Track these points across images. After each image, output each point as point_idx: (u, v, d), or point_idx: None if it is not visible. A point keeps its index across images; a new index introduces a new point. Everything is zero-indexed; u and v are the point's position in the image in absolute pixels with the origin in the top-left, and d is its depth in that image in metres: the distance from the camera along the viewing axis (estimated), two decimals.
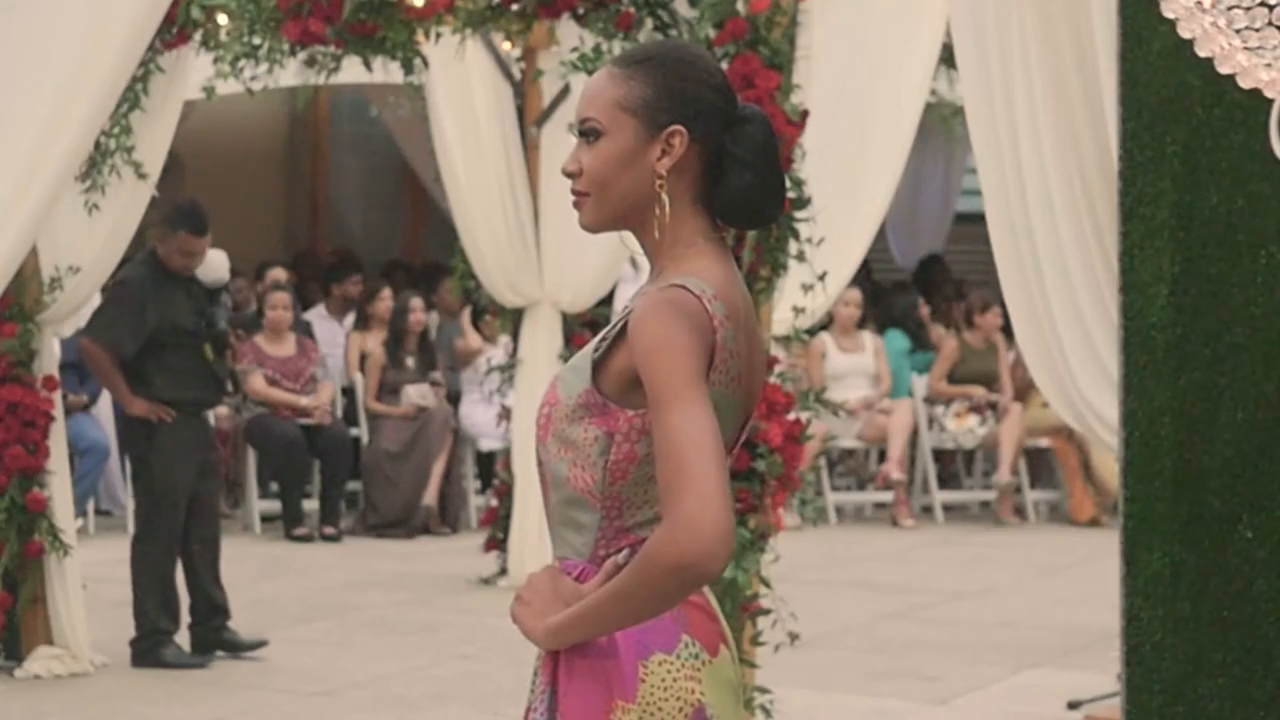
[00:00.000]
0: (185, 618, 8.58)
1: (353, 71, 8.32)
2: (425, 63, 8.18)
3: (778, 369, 6.71)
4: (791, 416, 6.63)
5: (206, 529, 8.64)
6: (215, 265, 8.72)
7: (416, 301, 12.92)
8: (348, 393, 13.26)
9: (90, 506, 12.12)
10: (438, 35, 7.88)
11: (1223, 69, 3.20)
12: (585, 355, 3.00)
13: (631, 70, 3.02)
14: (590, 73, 6.61)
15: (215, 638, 8.58)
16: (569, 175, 3.04)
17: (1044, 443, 13.66)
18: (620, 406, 2.95)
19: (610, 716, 2.93)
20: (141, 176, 8.18)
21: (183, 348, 8.54)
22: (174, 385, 8.48)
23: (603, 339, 2.99)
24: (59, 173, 7.51)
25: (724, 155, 3.02)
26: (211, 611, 8.59)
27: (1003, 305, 6.77)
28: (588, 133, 3.02)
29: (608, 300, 10.30)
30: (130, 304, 8.46)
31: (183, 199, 8.70)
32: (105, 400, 12.08)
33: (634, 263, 7.76)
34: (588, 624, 2.91)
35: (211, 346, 8.67)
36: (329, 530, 12.33)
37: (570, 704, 2.95)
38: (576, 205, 3.05)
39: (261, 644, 8.62)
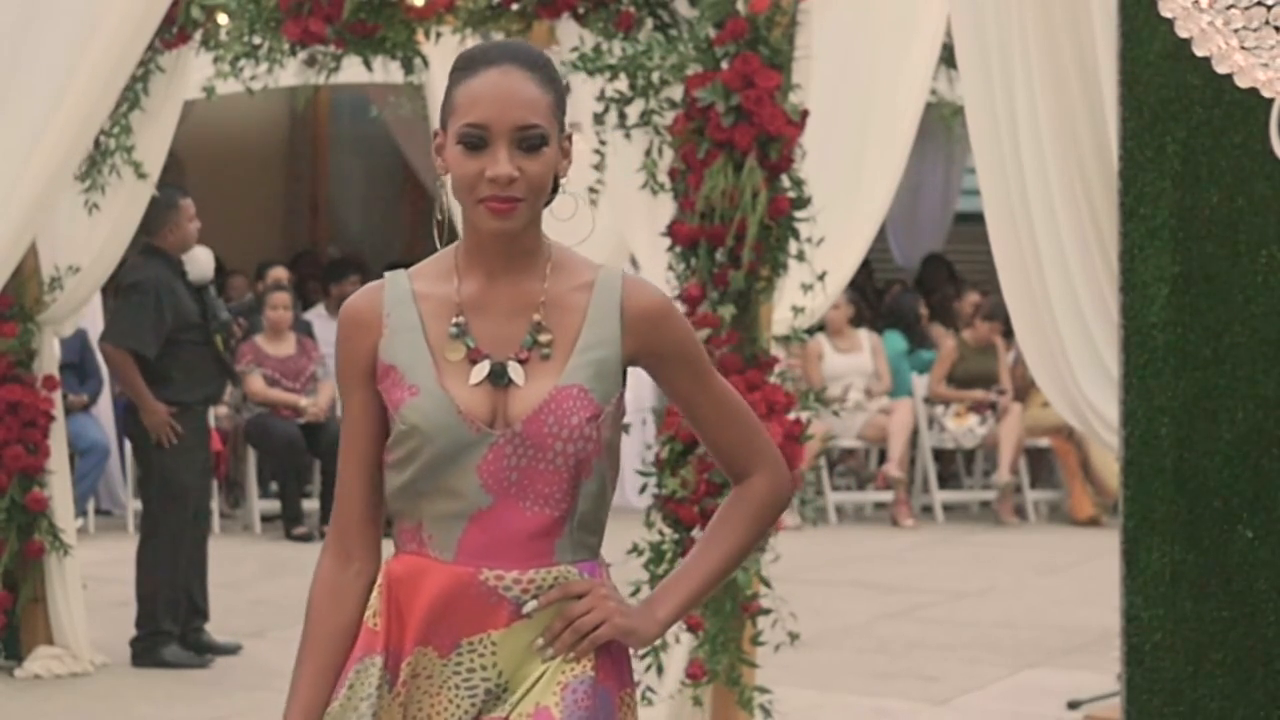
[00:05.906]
0: None
1: (353, 71, 8.30)
2: (425, 62, 8.17)
3: (777, 369, 6.71)
4: (791, 416, 6.62)
5: (199, 528, 8.66)
6: (202, 263, 8.72)
7: None
8: None
9: (90, 506, 12.12)
10: (438, 35, 7.87)
11: (1220, 69, 3.20)
12: (606, 361, 2.99)
13: (541, 74, 2.97)
14: (590, 72, 6.60)
15: (193, 639, 8.58)
16: (508, 181, 2.94)
17: (1044, 442, 13.65)
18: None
19: (627, 697, 3.05)
20: (141, 176, 8.17)
21: (195, 343, 8.56)
22: (191, 382, 8.51)
23: (593, 339, 3.00)
24: (52, 169, 7.49)
25: None
26: (191, 613, 8.59)
27: (1004, 310, 6.76)
28: (534, 139, 2.94)
29: None
30: (149, 304, 8.46)
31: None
32: (105, 400, 12.08)
33: (635, 262, 7.74)
34: (697, 598, 3.07)
35: (220, 337, 8.69)
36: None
37: (613, 698, 3.03)
38: (508, 212, 2.96)
39: (237, 647, 8.64)
